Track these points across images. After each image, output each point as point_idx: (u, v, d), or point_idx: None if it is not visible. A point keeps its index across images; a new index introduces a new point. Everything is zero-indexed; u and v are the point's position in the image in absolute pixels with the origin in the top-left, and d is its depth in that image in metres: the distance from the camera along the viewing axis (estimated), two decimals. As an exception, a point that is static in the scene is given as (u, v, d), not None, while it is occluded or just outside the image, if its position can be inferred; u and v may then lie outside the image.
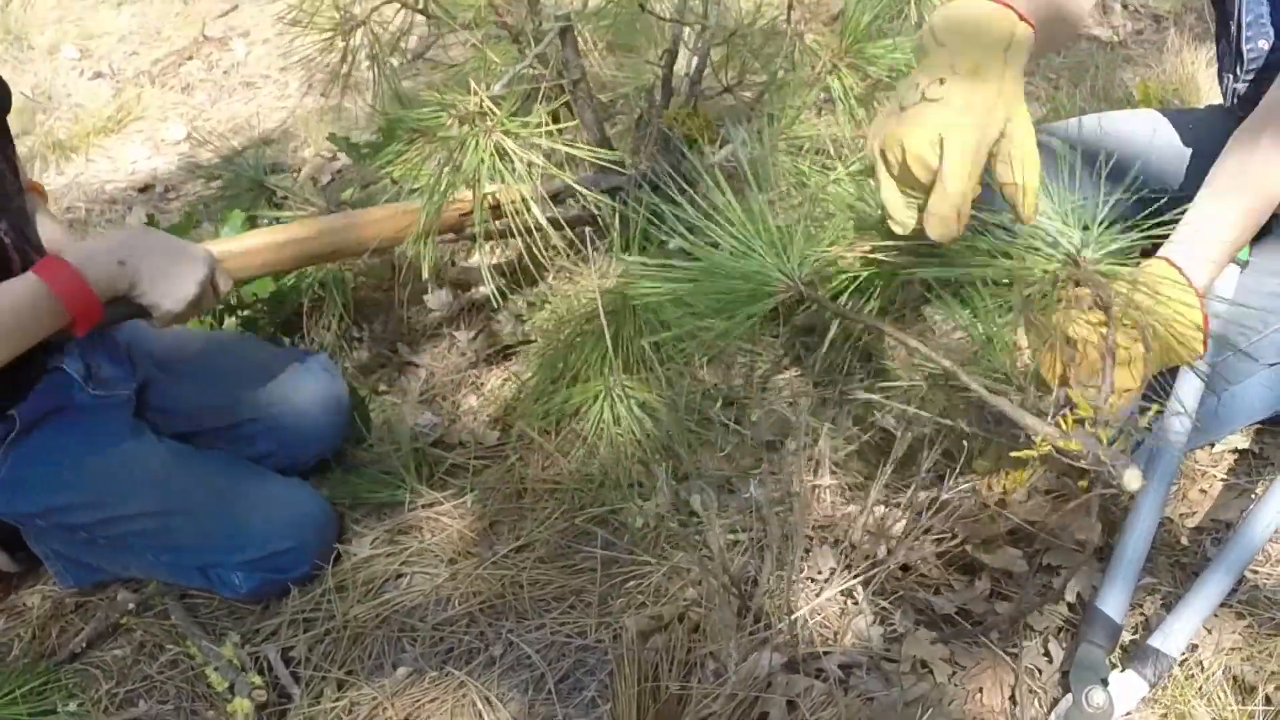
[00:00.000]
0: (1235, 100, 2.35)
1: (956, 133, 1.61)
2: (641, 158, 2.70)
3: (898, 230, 1.75)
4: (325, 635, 2.21)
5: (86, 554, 2.33)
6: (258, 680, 2.10)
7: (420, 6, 2.67)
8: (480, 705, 2.02)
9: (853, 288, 1.95)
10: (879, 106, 2.20)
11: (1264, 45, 2.23)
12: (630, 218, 2.44)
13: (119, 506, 2.22)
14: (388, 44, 2.67)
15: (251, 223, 2.97)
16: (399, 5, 2.63)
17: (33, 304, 2.01)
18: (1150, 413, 1.82)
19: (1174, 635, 1.93)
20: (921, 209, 1.68)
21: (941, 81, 1.64)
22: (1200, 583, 1.99)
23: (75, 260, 2.04)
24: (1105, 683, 1.87)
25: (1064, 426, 1.64)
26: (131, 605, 2.33)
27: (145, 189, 4.07)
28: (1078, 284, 1.70)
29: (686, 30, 2.62)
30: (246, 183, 3.13)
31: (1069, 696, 1.89)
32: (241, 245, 2.38)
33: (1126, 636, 2.01)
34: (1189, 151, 2.50)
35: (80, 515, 2.22)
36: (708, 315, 1.87)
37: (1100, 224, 1.68)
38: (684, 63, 2.69)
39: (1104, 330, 1.69)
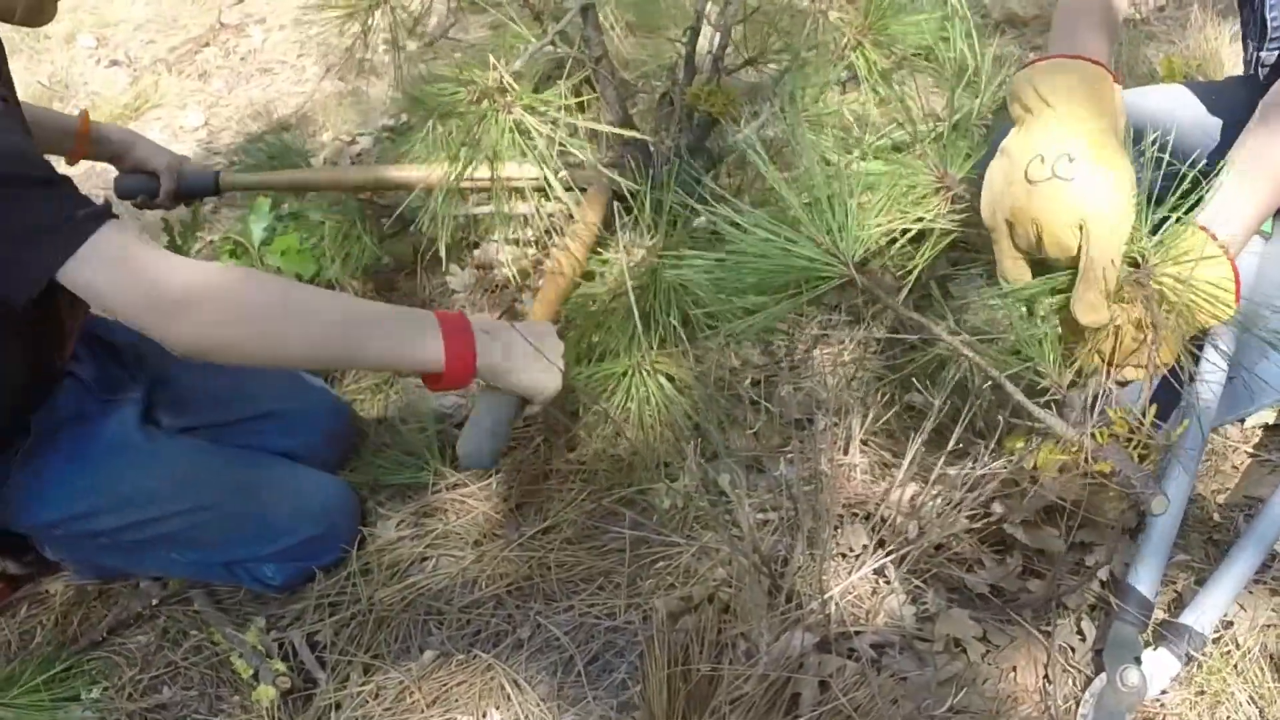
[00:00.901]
0: (1260, 70, 2.32)
1: (1100, 223, 1.60)
2: (666, 135, 2.68)
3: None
4: (351, 619, 2.19)
5: (106, 559, 2.30)
6: (281, 667, 2.09)
7: (437, -15, 2.66)
8: (509, 688, 2.00)
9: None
10: (992, 176, 2.02)
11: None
12: (657, 194, 2.42)
13: (143, 510, 2.18)
14: (406, 24, 2.65)
15: (276, 208, 2.98)
16: (418, -10, 2.61)
17: (419, 334, 2.00)
18: (1179, 429, 1.82)
19: (1207, 612, 1.91)
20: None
21: (1070, 159, 1.62)
22: (1231, 559, 1.98)
23: (477, 328, 2.03)
24: (1139, 661, 1.86)
25: (1099, 439, 1.63)
26: (155, 598, 2.31)
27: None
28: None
29: (710, 6, 2.59)
30: (268, 167, 3.11)
31: (1103, 675, 1.87)
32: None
33: (1159, 614, 2.00)
34: (1214, 122, 2.47)
35: (103, 521, 2.18)
36: (748, 294, 1.86)
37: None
38: (706, 40, 2.66)
39: (1140, 313, 1.67)
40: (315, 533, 2.25)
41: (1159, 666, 1.87)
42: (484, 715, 1.98)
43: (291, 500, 2.30)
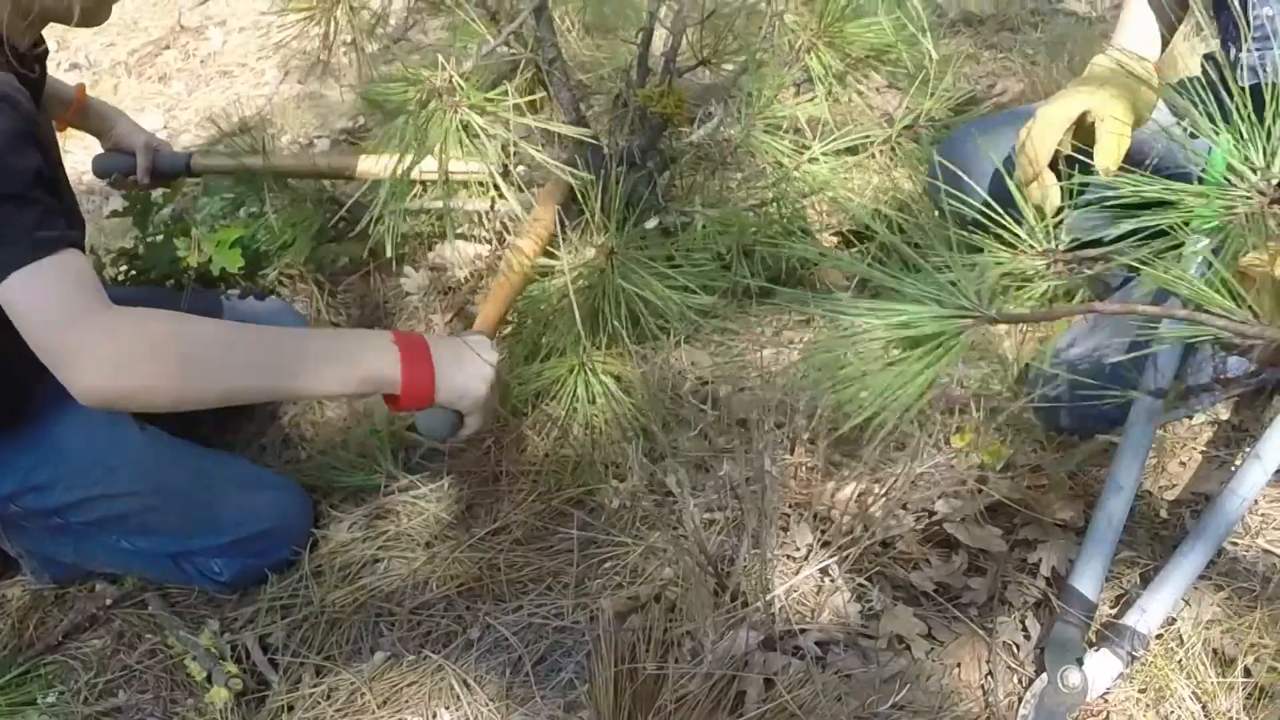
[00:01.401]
0: (1242, 73, 2.33)
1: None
2: (618, 136, 2.70)
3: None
4: (303, 621, 2.20)
5: (60, 548, 2.32)
6: (234, 669, 2.10)
7: (396, -16, 2.67)
8: (458, 688, 2.02)
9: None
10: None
11: (1269, 11, 2.21)
12: (608, 195, 2.44)
13: (97, 485, 2.20)
14: (365, 26, 2.66)
15: (237, 208, 3.01)
16: (376, -10, 2.63)
17: (374, 355, 2.01)
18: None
19: (1149, 613, 1.93)
20: None
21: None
22: (1175, 559, 1.99)
23: (434, 353, 2.03)
24: (1081, 661, 1.88)
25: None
26: (109, 600, 2.33)
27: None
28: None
29: (663, 9, 2.62)
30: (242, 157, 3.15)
31: (1044, 676, 1.89)
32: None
33: (1105, 611, 2.02)
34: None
35: (58, 496, 2.19)
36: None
37: None
38: (661, 41, 2.68)
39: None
40: (264, 528, 2.27)
41: (1101, 667, 1.89)
42: (434, 716, 1.99)
43: (243, 494, 2.33)
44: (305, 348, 2.01)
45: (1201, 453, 2.35)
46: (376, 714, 2.01)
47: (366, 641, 2.17)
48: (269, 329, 2.12)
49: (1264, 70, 2.22)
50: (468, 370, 2.05)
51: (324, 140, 4.01)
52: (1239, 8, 2.25)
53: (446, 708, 2.00)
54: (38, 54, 2.21)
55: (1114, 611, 2.02)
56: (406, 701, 2.03)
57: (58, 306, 1.81)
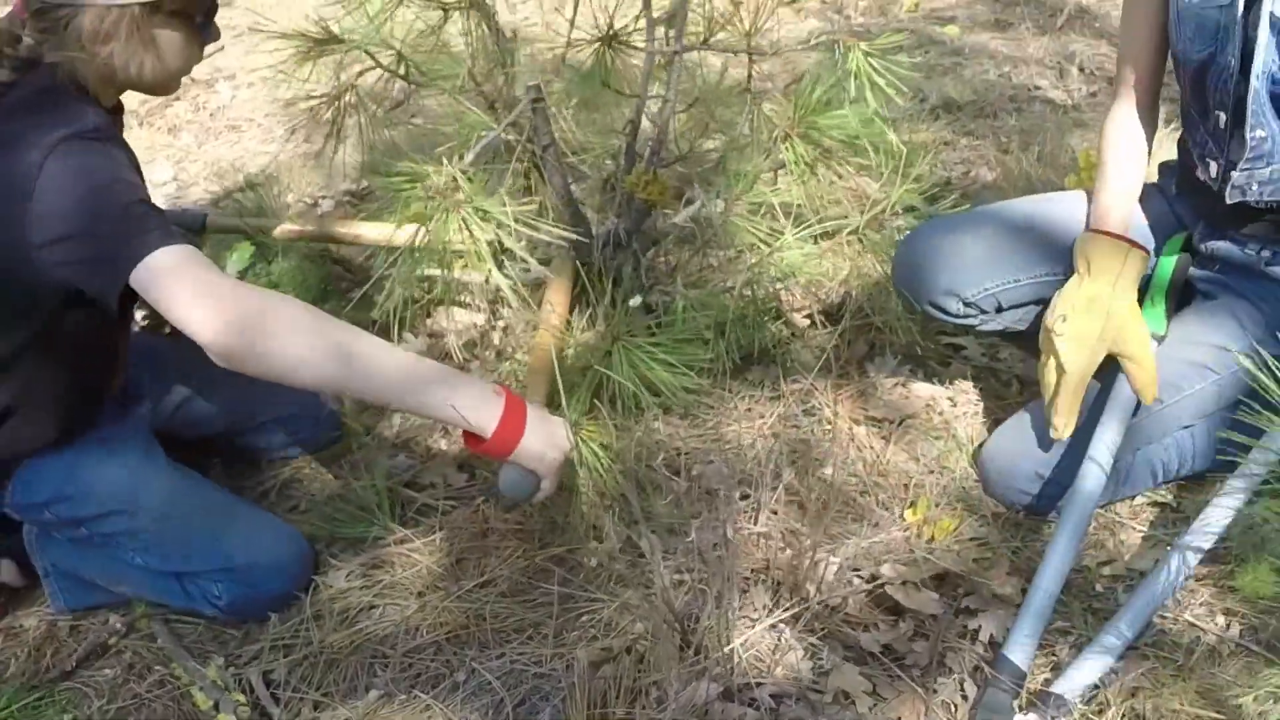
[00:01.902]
0: (1224, 187, 2.46)
1: (1069, 365, 2.42)
2: (607, 218, 2.88)
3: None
4: (303, 660, 2.37)
5: (81, 560, 2.52)
6: (241, 698, 2.27)
7: (402, 73, 2.86)
8: (444, 727, 2.20)
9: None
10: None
11: (1261, 134, 2.36)
12: (597, 280, 2.62)
13: (121, 501, 2.44)
14: (369, 102, 2.87)
15: (260, 252, 3.18)
16: (382, 72, 2.83)
17: (481, 395, 2.26)
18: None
19: (1076, 681, 2.13)
20: None
21: (1064, 320, 2.43)
22: (1104, 632, 2.20)
23: (529, 413, 2.29)
24: None
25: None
26: (120, 626, 2.50)
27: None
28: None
29: (649, 100, 2.79)
30: (250, 215, 3.34)
31: None
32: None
33: (1042, 674, 2.21)
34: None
35: (85, 507, 2.44)
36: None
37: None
38: (649, 126, 2.86)
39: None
40: (263, 560, 2.47)
41: None
42: None
43: (247, 528, 2.53)
44: (422, 373, 2.28)
45: (1140, 532, 2.54)
46: (369, 747, 2.18)
47: (362, 680, 2.32)
48: (393, 347, 2.35)
49: (1250, 190, 2.41)
50: (551, 438, 2.28)
51: (328, 201, 4.15)
52: (1222, 127, 2.42)
53: (433, 744, 2.18)
54: (117, 107, 2.49)
55: (1046, 677, 2.20)
56: (397, 738, 2.20)
57: (206, 277, 2.14)
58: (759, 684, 2.14)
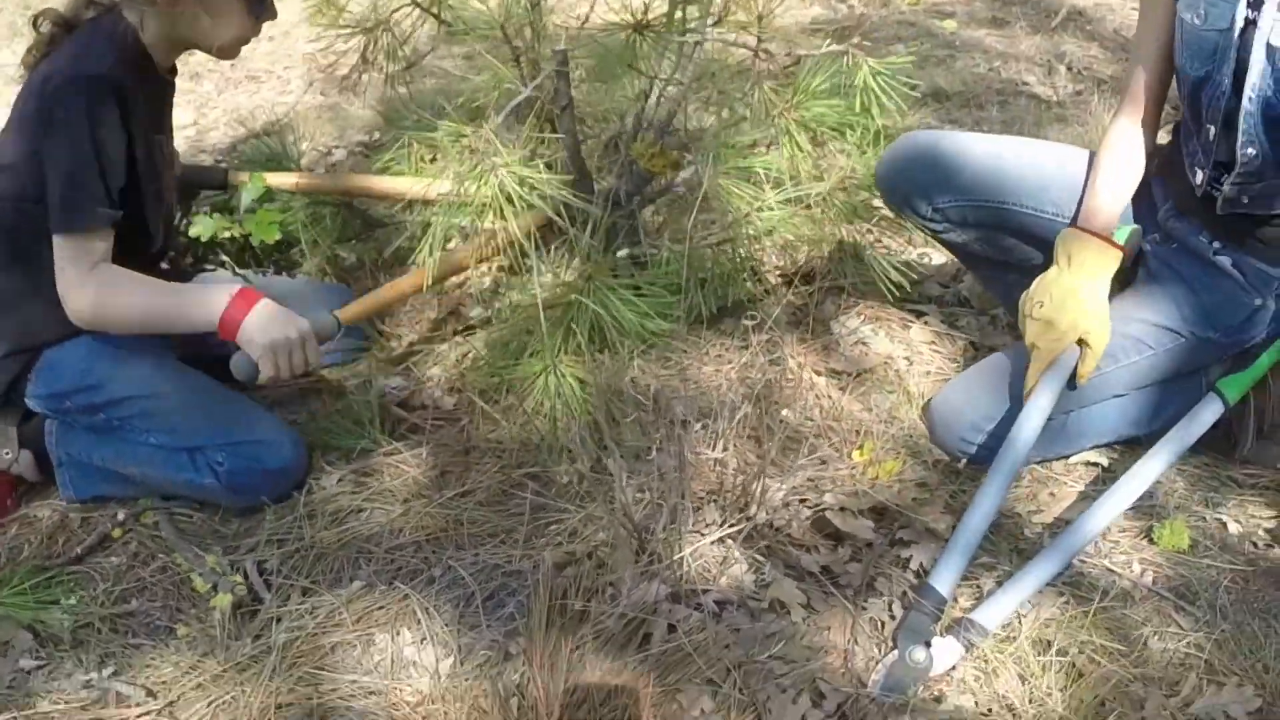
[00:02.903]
0: (1216, 195, 2.61)
1: (1044, 346, 2.61)
2: (609, 176, 3.06)
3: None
4: (295, 553, 2.58)
5: (96, 446, 2.74)
6: (239, 579, 2.49)
7: (435, 10, 3.07)
8: (420, 614, 2.40)
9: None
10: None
11: (1252, 152, 2.50)
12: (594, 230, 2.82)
13: (139, 387, 2.70)
14: (393, 48, 3.06)
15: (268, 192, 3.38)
16: (413, 6, 3.04)
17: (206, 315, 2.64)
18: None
19: (995, 612, 2.34)
20: None
21: (1041, 305, 2.62)
22: (1025, 569, 2.41)
23: (255, 308, 2.64)
24: (928, 644, 2.27)
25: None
26: (126, 518, 2.72)
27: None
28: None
29: (659, 76, 2.95)
30: (267, 160, 3.54)
31: (896, 651, 2.28)
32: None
33: (964, 604, 2.42)
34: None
35: (105, 393, 2.69)
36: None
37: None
38: (655, 99, 3.03)
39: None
40: (265, 437, 2.71)
41: (945, 651, 2.28)
42: (398, 634, 2.36)
43: (251, 411, 2.80)
44: (177, 302, 2.70)
45: (1073, 489, 2.74)
46: (351, 629, 2.39)
47: (347, 572, 2.53)
48: (161, 290, 2.73)
49: (1240, 203, 2.57)
50: (267, 330, 2.62)
51: (341, 150, 4.36)
52: (1212, 139, 2.57)
53: (408, 628, 2.38)
54: (172, 69, 2.84)
55: (967, 606, 2.40)
56: (376, 621, 2.41)
57: (74, 272, 2.60)
58: (705, 590, 2.34)
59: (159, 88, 2.79)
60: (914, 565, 2.47)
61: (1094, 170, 2.77)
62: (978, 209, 2.88)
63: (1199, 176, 2.62)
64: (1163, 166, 2.80)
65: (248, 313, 2.61)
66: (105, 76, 2.53)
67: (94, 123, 2.51)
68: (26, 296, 2.67)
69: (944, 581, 2.36)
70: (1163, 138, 2.86)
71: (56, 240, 2.57)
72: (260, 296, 2.64)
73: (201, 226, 3.24)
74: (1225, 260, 2.63)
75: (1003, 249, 2.96)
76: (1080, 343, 2.58)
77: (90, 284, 2.58)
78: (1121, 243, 2.67)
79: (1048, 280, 2.65)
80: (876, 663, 2.29)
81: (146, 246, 2.80)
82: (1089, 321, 2.56)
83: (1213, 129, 2.53)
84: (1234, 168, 2.52)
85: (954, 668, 2.30)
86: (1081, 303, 2.58)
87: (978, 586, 2.47)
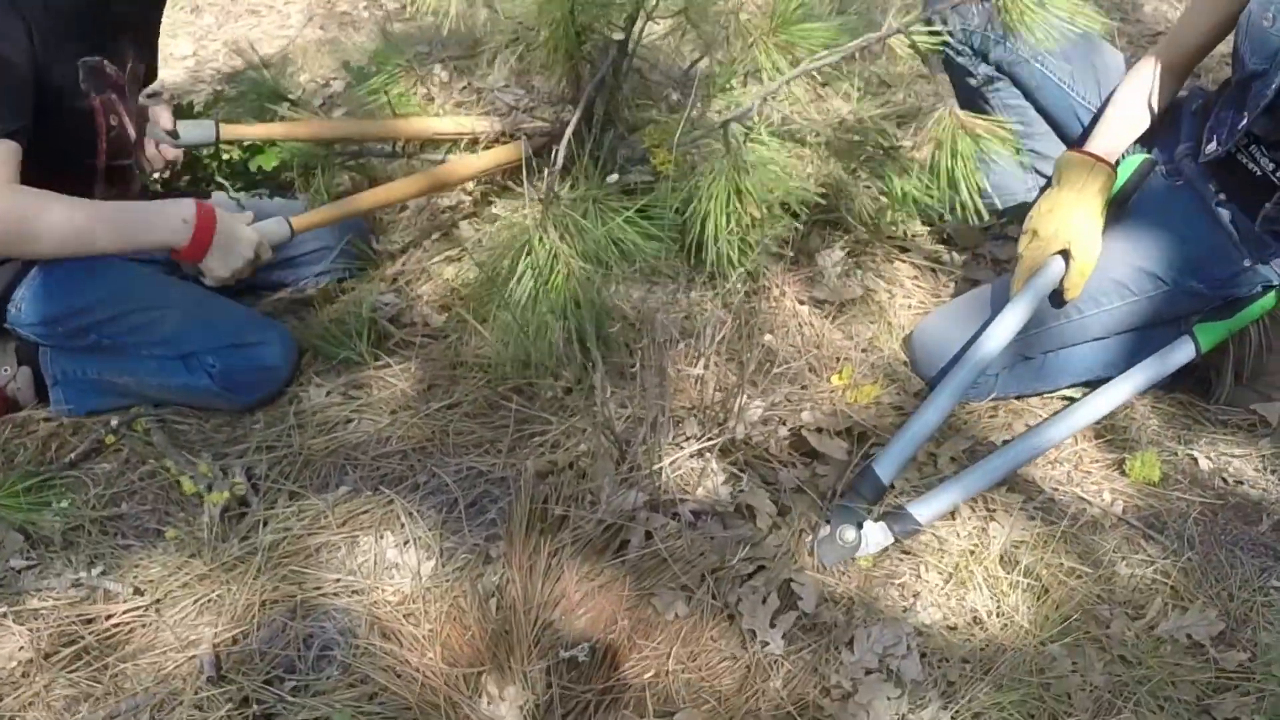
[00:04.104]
0: (1211, 154, 2.72)
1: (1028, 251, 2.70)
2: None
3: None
4: (283, 459, 2.64)
5: (89, 362, 2.77)
6: (240, 478, 2.55)
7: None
8: (404, 518, 2.47)
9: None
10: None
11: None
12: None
13: (123, 304, 2.70)
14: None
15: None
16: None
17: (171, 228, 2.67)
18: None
19: (929, 506, 2.44)
20: None
21: (1032, 218, 2.72)
22: (968, 470, 2.52)
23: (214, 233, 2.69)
24: (860, 526, 2.37)
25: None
26: (118, 425, 2.76)
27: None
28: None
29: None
30: (264, 91, 3.56)
31: (829, 526, 2.38)
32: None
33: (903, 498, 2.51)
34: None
35: (93, 315, 2.69)
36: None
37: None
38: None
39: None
40: (254, 339, 2.78)
41: (874, 534, 2.40)
42: (381, 537, 2.43)
43: (237, 313, 2.86)
44: (121, 219, 2.68)
45: (1042, 418, 2.80)
46: (336, 531, 2.45)
47: (334, 478, 2.59)
48: (102, 209, 2.71)
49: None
50: (228, 261, 2.72)
51: (338, 83, 4.35)
52: (1240, 128, 2.62)
53: (392, 531, 2.44)
54: None
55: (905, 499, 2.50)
56: (361, 524, 2.47)
57: None
58: (682, 500, 2.41)
59: (96, 8, 2.74)
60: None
61: (1109, 101, 2.84)
62: (1006, 50, 2.97)
63: (1210, 147, 2.69)
64: (1199, 111, 2.84)
65: (208, 247, 2.69)
66: None
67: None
68: None
69: (885, 468, 2.47)
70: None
71: None
72: (213, 225, 2.70)
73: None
74: (1224, 213, 2.69)
75: (1006, 105, 3.07)
76: (1065, 256, 2.63)
77: (12, 205, 2.53)
78: (1130, 171, 2.72)
79: (1041, 198, 2.73)
80: (809, 536, 2.41)
81: (89, 179, 2.83)
82: (1071, 232, 2.62)
83: (1248, 116, 2.59)
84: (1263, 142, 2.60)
85: (883, 551, 2.41)
86: (1067, 214, 2.64)
87: (925, 483, 2.59)
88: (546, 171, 2.50)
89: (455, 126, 3.39)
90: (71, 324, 2.70)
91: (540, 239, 2.48)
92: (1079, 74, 2.92)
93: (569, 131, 2.56)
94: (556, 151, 2.61)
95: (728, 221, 3.00)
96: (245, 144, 3.32)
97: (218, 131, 3.20)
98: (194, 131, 3.17)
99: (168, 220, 2.67)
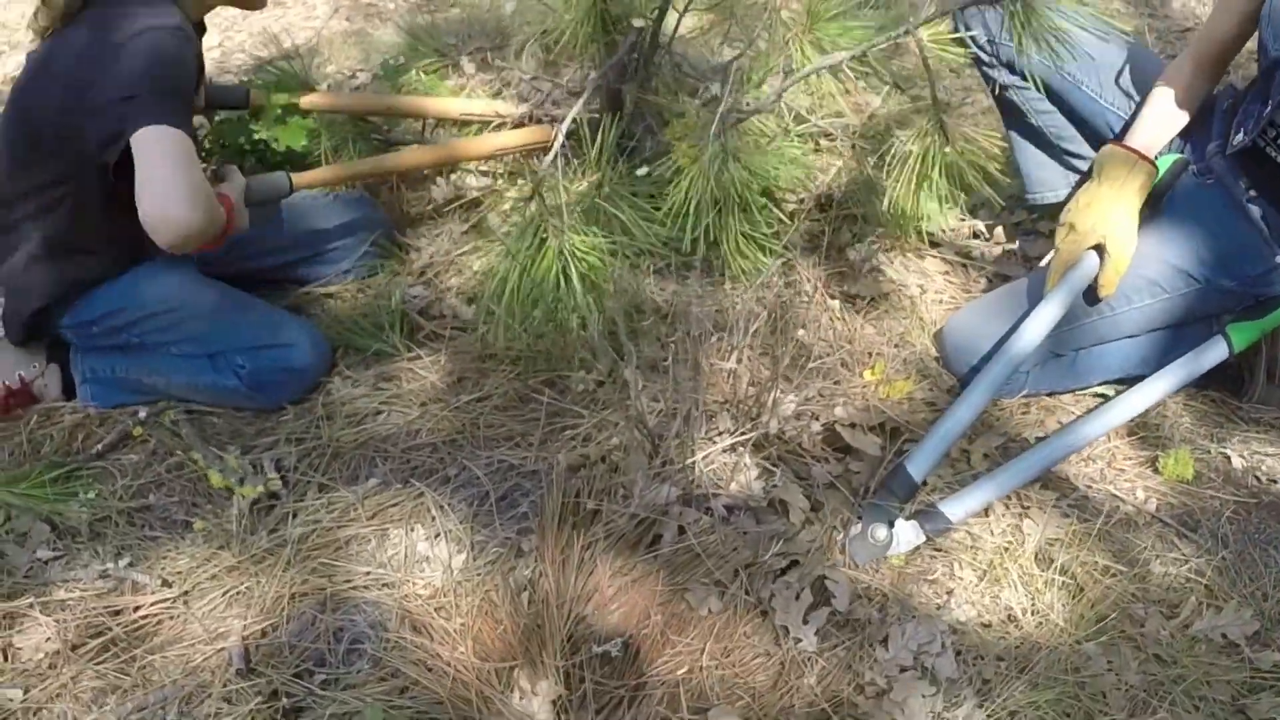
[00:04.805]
0: (1229, 147, 2.70)
1: (1063, 245, 2.67)
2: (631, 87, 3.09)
3: None
4: (312, 451, 2.63)
5: (118, 361, 2.80)
6: (273, 473, 2.55)
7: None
8: (434, 511, 2.46)
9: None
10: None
11: None
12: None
13: (156, 304, 2.74)
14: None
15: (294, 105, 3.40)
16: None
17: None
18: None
19: (961, 504, 2.41)
20: None
21: (1069, 212, 2.69)
22: (1002, 469, 2.48)
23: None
24: (891, 524, 2.35)
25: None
26: (146, 417, 2.76)
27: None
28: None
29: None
30: (292, 81, 3.54)
31: (860, 524, 2.36)
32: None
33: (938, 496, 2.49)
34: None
35: (124, 316, 2.73)
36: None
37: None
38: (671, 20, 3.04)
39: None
40: (284, 340, 2.78)
41: (905, 533, 2.38)
42: (412, 530, 2.42)
43: (269, 315, 2.87)
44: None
45: (1075, 415, 2.77)
46: (366, 524, 2.44)
47: (364, 470, 2.59)
48: None
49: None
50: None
51: (365, 74, 4.35)
52: (1264, 115, 2.59)
53: (422, 524, 2.43)
54: (200, 25, 2.89)
55: (940, 496, 2.48)
56: (391, 518, 2.46)
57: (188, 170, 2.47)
58: (715, 494, 2.39)
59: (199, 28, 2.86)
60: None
61: (1146, 99, 2.81)
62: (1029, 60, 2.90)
63: (1237, 138, 2.66)
64: (1231, 109, 2.81)
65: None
66: (181, 27, 2.59)
67: (183, 56, 2.59)
68: (82, 249, 2.71)
69: (918, 467, 2.44)
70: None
71: (157, 134, 2.44)
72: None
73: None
74: (1256, 210, 2.65)
75: (1038, 111, 3.02)
76: (1100, 251, 2.61)
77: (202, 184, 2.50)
78: (1163, 170, 2.70)
79: (1080, 192, 2.71)
80: (840, 534, 2.39)
81: None
82: (1107, 227, 2.60)
83: (1272, 104, 2.56)
84: None
85: (915, 550, 2.40)
86: (1106, 210, 2.62)
87: (959, 481, 2.56)
88: (557, 158, 2.47)
89: (483, 108, 3.41)
90: (106, 324, 2.74)
91: (564, 230, 2.47)
92: (1106, 81, 2.90)
93: (574, 112, 2.53)
94: (558, 134, 2.61)
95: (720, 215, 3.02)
96: (274, 118, 3.30)
97: (249, 98, 3.25)
98: (224, 93, 3.24)
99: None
